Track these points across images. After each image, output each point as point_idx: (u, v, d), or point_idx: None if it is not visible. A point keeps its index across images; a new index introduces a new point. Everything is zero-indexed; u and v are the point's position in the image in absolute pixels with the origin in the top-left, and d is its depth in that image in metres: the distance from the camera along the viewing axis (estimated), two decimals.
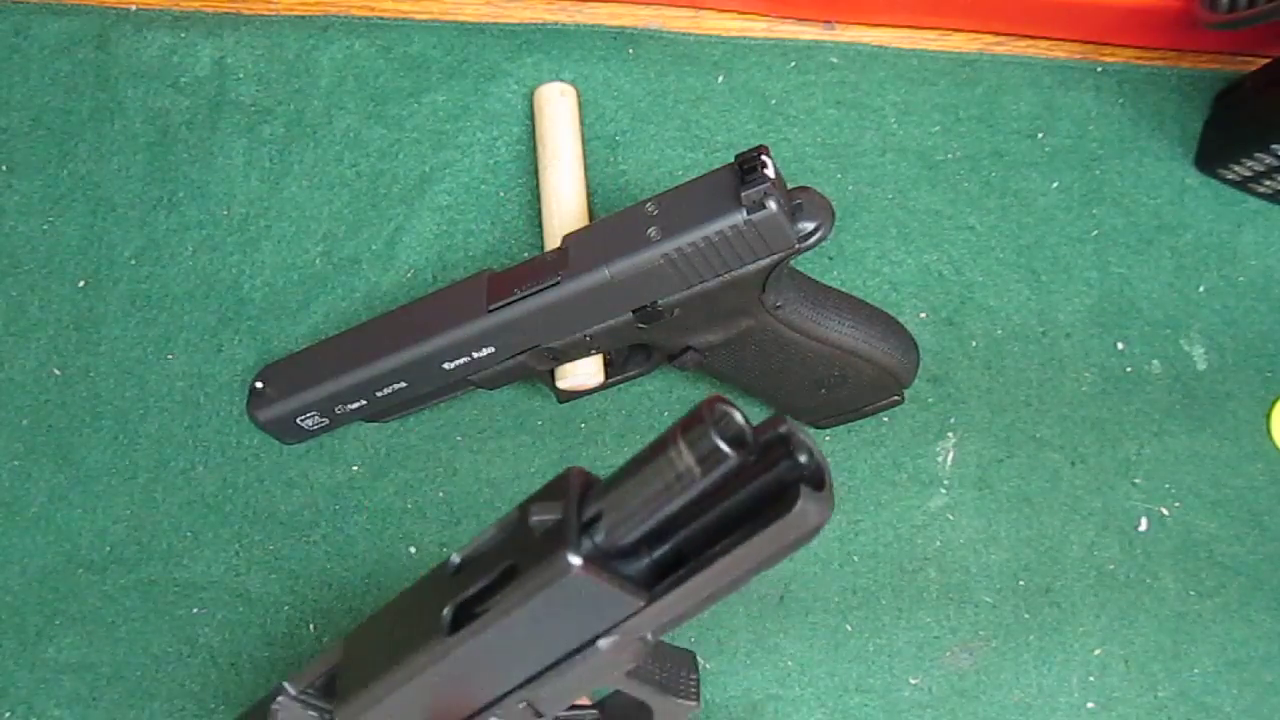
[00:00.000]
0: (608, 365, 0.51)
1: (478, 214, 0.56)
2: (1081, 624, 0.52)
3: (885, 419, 0.54)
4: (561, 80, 0.56)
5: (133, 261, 0.56)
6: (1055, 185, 0.57)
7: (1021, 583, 0.53)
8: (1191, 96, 0.58)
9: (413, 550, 0.53)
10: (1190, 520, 0.53)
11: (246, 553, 0.53)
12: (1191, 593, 0.53)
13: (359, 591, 0.52)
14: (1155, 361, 0.55)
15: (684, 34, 0.58)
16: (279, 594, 0.52)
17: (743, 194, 0.41)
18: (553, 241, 0.53)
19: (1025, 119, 0.57)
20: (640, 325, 0.46)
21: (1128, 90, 0.58)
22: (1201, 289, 0.56)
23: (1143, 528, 0.53)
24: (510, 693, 0.32)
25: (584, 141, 0.56)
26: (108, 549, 0.53)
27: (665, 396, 0.54)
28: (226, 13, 0.58)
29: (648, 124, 0.57)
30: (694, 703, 0.36)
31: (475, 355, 0.47)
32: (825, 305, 0.47)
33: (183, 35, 0.58)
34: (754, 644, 0.52)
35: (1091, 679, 0.52)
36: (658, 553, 0.29)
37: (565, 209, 0.53)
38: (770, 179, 0.41)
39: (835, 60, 0.58)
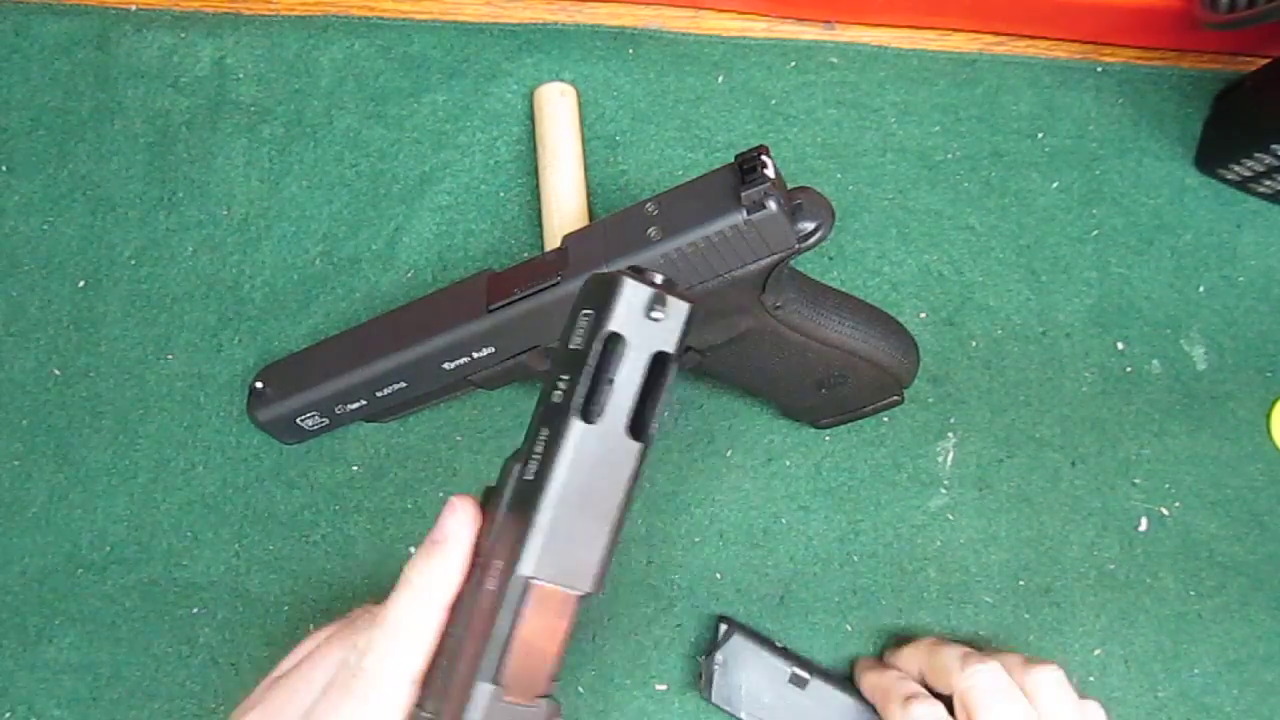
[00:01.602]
0: None
1: (478, 214, 0.56)
2: (1081, 624, 0.52)
3: (885, 419, 0.54)
4: (561, 80, 0.56)
5: (133, 261, 0.56)
6: (1055, 185, 0.57)
7: (1021, 583, 0.53)
8: (1191, 96, 0.58)
9: (412, 550, 0.53)
10: (1190, 520, 0.53)
11: (246, 553, 0.53)
12: (1191, 593, 0.53)
13: (359, 591, 0.52)
14: (1155, 361, 0.55)
15: (684, 34, 0.58)
16: (279, 594, 0.52)
17: (743, 194, 0.41)
18: (553, 241, 0.53)
19: (1025, 119, 0.57)
20: None
21: (1128, 90, 0.58)
22: (1201, 289, 0.56)
23: (1143, 528, 0.53)
24: None
25: (584, 141, 0.56)
26: (108, 549, 0.53)
27: None
28: (226, 13, 0.58)
29: (648, 124, 0.57)
30: None
31: (475, 355, 0.47)
32: (825, 305, 0.47)
33: (183, 35, 0.58)
34: None
35: (1091, 679, 0.52)
36: None
37: (565, 209, 0.53)
38: (770, 179, 0.41)
39: (835, 60, 0.58)
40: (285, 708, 0.36)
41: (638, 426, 0.32)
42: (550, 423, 0.32)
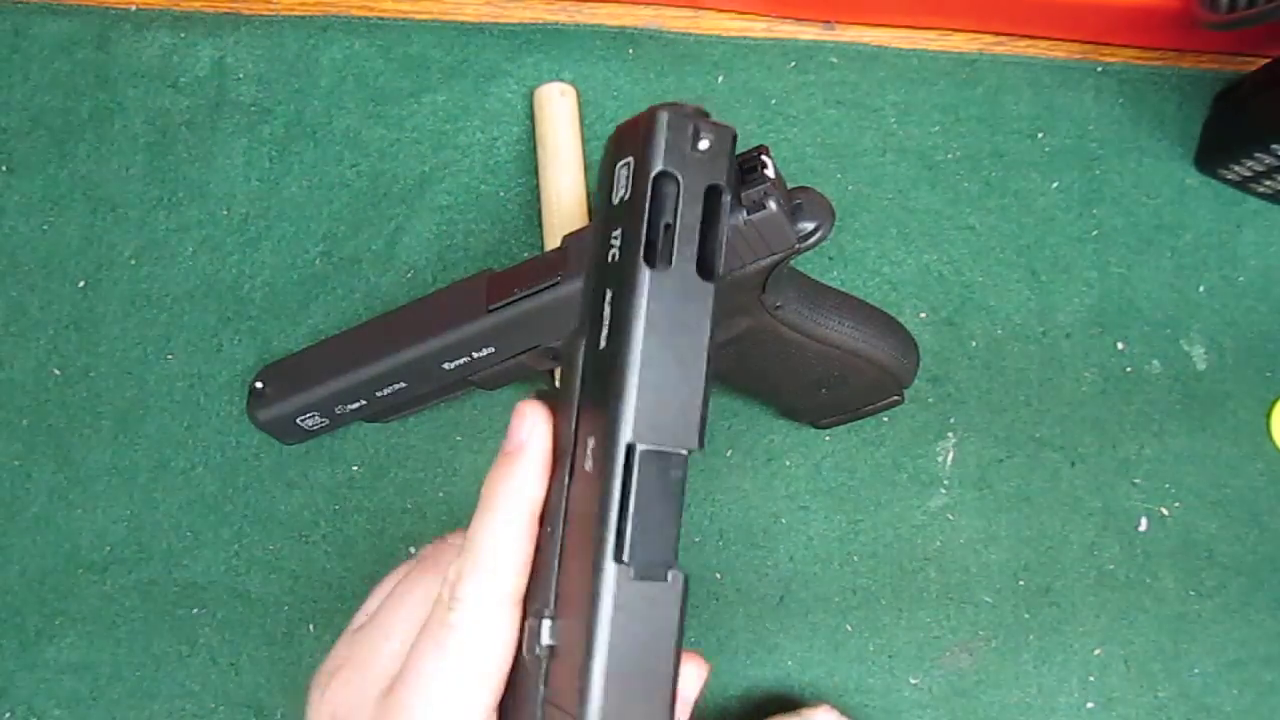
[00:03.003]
0: None
1: (478, 214, 0.56)
2: (1081, 624, 0.52)
3: (885, 419, 0.54)
4: (561, 80, 0.56)
5: (133, 261, 0.56)
6: (1055, 185, 0.57)
7: (1021, 583, 0.53)
8: (1191, 96, 0.58)
9: (412, 550, 0.53)
10: (1190, 520, 0.53)
11: (246, 553, 0.53)
12: (1191, 593, 0.53)
13: (359, 591, 0.52)
14: (1155, 361, 0.55)
15: (684, 34, 0.58)
16: (279, 594, 0.52)
17: (743, 194, 0.41)
18: (553, 241, 0.53)
19: (1025, 119, 0.57)
20: None
21: (1128, 90, 0.58)
22: (1201, 289, 0.56)
23: (1143, 528, 0.53)
24: None
25: (584, 141, 0.56)
26: (108, 549, 0.53)
27: None
28: (226, 13, 0.58)
29: None
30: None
31: (475, 355, 0.47)
32: (825, 305, 0.47)
33: (183, 35, 0.58)
34: (754, 644, 0.52)
35: (1091, 679, 0.52)
36: None
37: (565, 209, 0.53)
38: (770, 179, 0.41)
39: (835, 60, 0.58)
40: (375, 659, 0.33)
41: (705, 267, 0.30)
42: (613, 282, 0.29)
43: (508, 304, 0.45)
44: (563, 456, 0.31)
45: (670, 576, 0.28)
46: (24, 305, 0.55)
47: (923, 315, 0.55)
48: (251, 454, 0.54)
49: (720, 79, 0.57)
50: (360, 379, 0.48)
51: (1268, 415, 0.55)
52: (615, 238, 0.30)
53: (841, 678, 0.51)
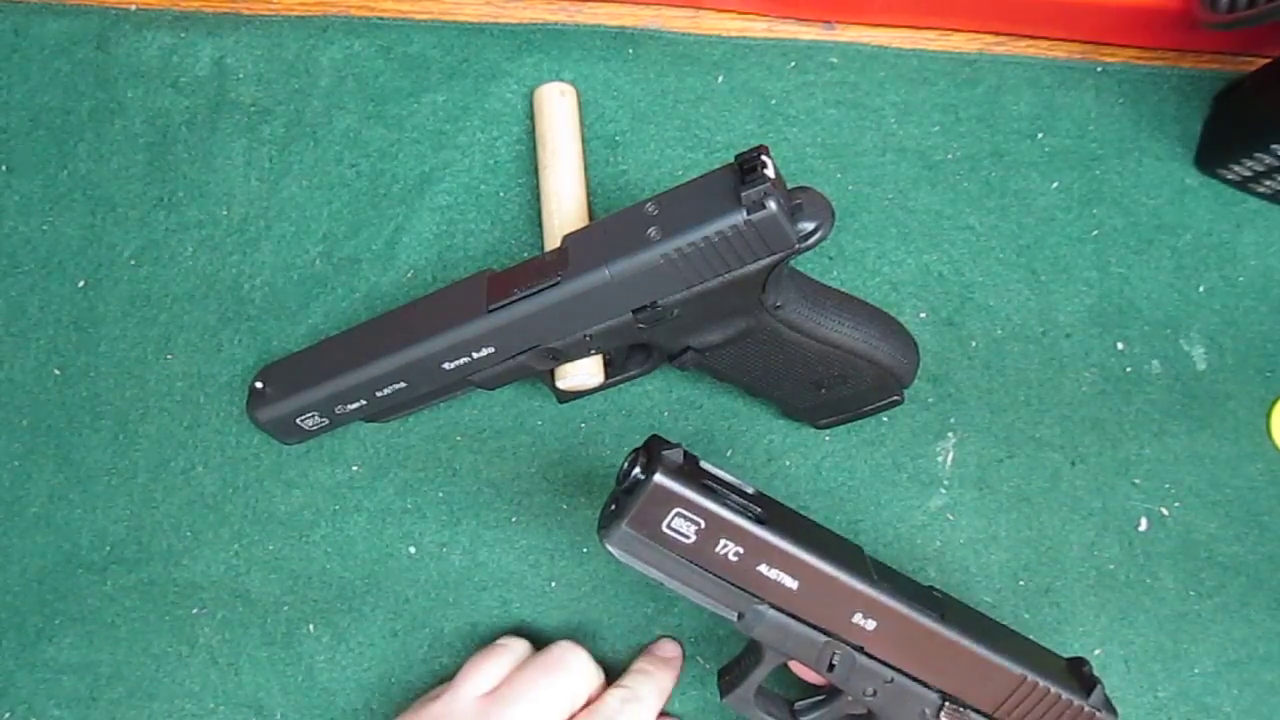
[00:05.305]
0: (608, 365, 0.51)
1: (478, 214, 0.56)
2: (1081, 624, 0.52)
3: (885, 419, 0.54)
4: (561, 80, 0.56)
5: (133, 261, 0.56)
6: (1055, 185, 0.57)
7: (1021, 583, 0.53)
8: (1191, 96, 0.58)
9: (412, 550, 0.53)
10: (1190, 520, 0.53)
11: (246, 553, 0.53)
12: (1191, 593, 0.53)
13: (359, 591, 0.52)
14: (1155, 361, 0.55)
15: (684, 34, 0.58)
16: (279, 594, 0.52)
17: (743, 194, 0.41)
18: (553, 241, 0.53)
19: (1025, 119, 0.57)
20: (640, 325, 0.46)
21: (1128, 90, 0.58)
22: (1201, 289, 0.56)
23: (1143, 528, 0.53)
24: None
25: (584, 141, 0.56)
26: (108, 549, 0.53)
27: (665, 396, 0.54)
28: (226, 13, 0.58)
29: (648, 124, 0.57)
30: None
31: (475, 355, 0.47)
32: (825, 305, 0.47)
33: (183, 35, 0.58)
34: None
35: None
36: None
37: (565, 209, 0.53)
38: (770, 179, 0.41)
39: (835, 60, 0.58)
40: None
41: None
42: None
43: (508, 304, 0.45)
44: None
45: None
46: (24, 305, 0.55)
47: (923, 315, 0.55)
48: (251, 454, 0.54)
49: (720, 79, 0.57)
50: (360, 379, 0.48)
51: (1268, 415, 0.55)
52: None
53: None
